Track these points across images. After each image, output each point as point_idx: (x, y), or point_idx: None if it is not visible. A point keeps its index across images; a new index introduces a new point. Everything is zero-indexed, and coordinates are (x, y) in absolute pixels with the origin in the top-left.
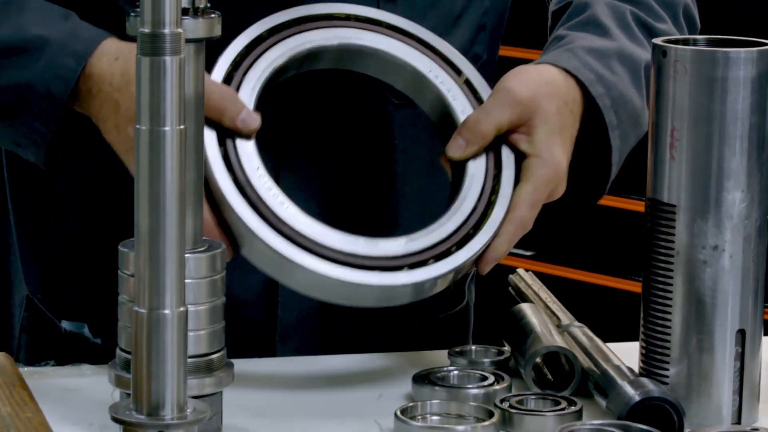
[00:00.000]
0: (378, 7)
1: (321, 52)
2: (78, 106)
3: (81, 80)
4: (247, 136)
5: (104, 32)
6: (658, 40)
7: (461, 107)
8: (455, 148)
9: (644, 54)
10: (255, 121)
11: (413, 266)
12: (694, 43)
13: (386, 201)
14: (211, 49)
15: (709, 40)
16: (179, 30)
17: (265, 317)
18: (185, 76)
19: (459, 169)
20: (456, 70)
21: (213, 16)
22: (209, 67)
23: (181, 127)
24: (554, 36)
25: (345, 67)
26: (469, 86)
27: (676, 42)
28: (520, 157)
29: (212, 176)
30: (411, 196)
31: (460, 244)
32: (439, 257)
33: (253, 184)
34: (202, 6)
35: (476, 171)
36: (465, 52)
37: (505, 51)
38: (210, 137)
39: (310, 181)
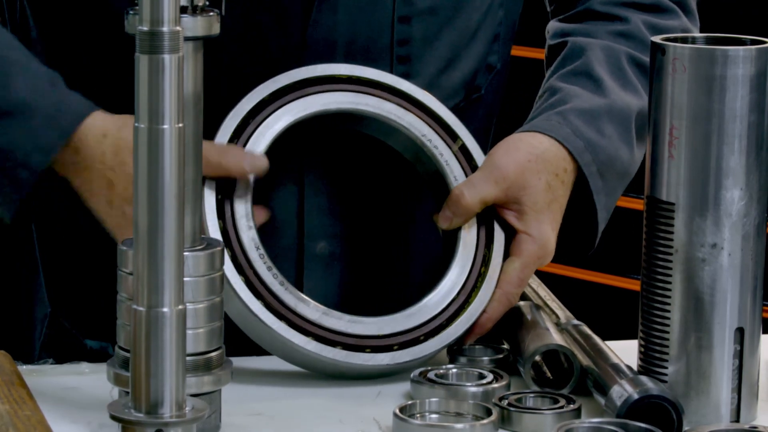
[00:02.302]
0: (392, 28)
1: (321, 116)
2: (60, 172)
3: (65, 153)
4: (248, 226)
5: (90, 104)
6: (657, 38)
7: (454, 174)
8: (443, 220)
9: (636, 102)
10: (262, 160)
11: (404, 345)
12: (693, 41)
13: (402, 230)
14: (214, 111)
15: (707, 38)
16: (178, 28)
17: None
18: (184, 74)
19: (452, 234)
20: (452, 136)
21: (212, 14)
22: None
23: (180, 125)
24: (548, 86)
25: (345, 129)
26: (464, 152)
27: (674, 40)
28: (510, 232)
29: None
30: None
31: (451, 320)
32: (429, 335)
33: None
34: (200, 4)
35: (468, 240)
36: (481, 64)
37: (514, 51)
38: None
39: (333, 206)
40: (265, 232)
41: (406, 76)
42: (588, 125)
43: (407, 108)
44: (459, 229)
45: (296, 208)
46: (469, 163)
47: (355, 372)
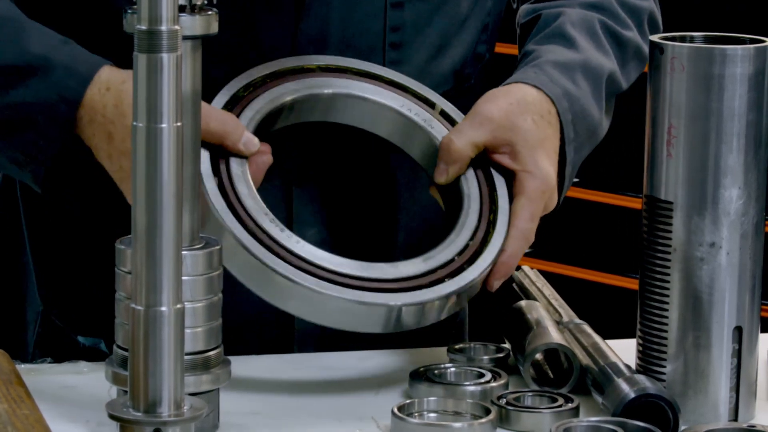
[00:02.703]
0: (385, 14)
1: (294, 103)
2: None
3: (82, 104)
4: (241, 165)
5: (102, 59)
6: (655, 37)
7: (441, 134)
8: (439, 174)
9: (608, 64)
10: (255, 144)
11: (431, 284)
12: (692, 40)
13: (388, 218)
14: (208, 100)
15: (706, 37)
16: (176, 27)
17: (282, 325)
18: (182, 73)
19: (454, 193)
20: (429, 104)
21: (210, 13)
22: None
23: (178, 124)
24: (523, 52)
25: (322, 119)
26: (445, 116)
27: (673, 39)
28: (510, 176)
29: (213, 212)
30: (412, 217)
31: (471, 261)
32: (452, 274)
33: (257, 220)
34: (199, 3)
35: (471, 192)
36: (469, 52)
37: (501, 48)
38: (204, 166)
39: (320, 194)
40: None
41: (398, 62)
42: (563, 75)
43: (380, 86)
44: (459, 188)
45: (284, 196)
46: (452, 125)
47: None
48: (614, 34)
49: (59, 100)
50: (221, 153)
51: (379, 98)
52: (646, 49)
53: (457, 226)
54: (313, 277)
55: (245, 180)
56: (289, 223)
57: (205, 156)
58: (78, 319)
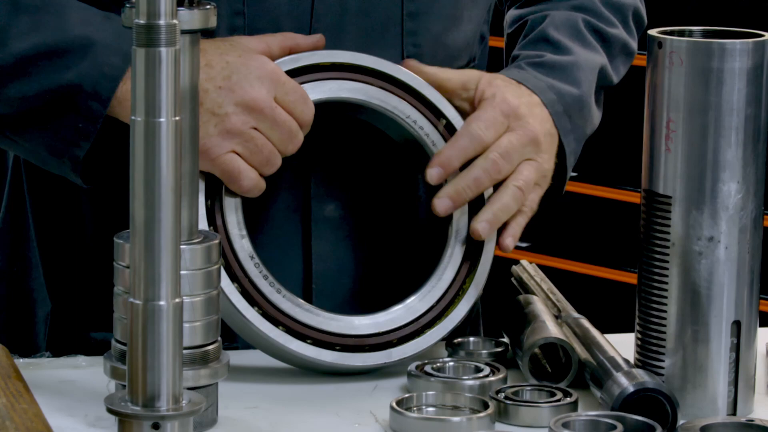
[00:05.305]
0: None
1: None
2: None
3: (124, 81)
4: (234, 209)
5: None
6: (653, 32)
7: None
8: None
9: (599, 58)
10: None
11: (403, 340)
12: (690, 34)
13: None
14: None
15: (704, 32)
16: (174, 21)
17: None
18: (180, 67)
19: (442, 226)
20: (436, 113)
21: (208, 7)
22: None
23: (177, 118)
24: (510, 58)
25: (335, 115)
26: (450, 129)
27: (671, 33)
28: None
29: None
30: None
31: (444, 312)
32: (430, 324)
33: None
34: None
35: (461, 227)
36: (477, 31)
37: (494, 42)
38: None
39: (339, 175)
40: (269, 196)
41: (414, 33)
42: (548, 76)
43: (391, 91)
44: (450, 222)
45: (302, 172)
46: None
47: (354, 370)
48: (599, 32)
49: (100, 77)
50: (215, 196)
51: (389, 107)
52: (632, 44)
53: (435, 273)
54: (310, 345)
55: (237, 220)
56: (307, 200)
57: (200, 200)
58: (88, 314)
